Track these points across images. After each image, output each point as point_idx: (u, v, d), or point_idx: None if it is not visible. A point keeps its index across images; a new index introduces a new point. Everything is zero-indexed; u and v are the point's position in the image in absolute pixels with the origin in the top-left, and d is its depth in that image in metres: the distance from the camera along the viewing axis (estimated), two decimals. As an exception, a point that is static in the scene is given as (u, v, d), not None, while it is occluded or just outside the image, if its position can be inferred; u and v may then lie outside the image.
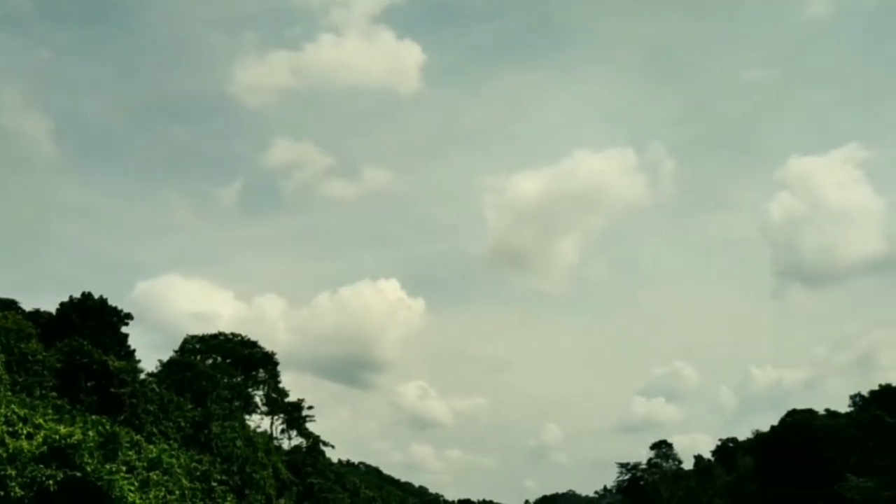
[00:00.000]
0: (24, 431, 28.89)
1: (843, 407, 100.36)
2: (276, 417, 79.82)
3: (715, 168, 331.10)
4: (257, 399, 77.73)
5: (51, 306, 53.15)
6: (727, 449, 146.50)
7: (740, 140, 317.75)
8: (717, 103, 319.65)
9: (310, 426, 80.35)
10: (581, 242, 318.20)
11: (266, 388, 78.43)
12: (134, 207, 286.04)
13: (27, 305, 53.04)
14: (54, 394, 36.24)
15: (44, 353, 37.48)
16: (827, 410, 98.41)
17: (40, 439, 28.42)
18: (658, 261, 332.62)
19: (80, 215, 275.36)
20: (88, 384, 39.63)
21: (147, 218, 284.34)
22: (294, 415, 79.70)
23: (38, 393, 34.85)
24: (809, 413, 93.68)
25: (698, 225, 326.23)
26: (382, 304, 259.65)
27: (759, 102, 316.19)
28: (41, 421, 30.24)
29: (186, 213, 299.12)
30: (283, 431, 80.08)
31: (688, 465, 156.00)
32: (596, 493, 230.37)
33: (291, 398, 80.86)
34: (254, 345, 77.11)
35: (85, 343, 41.46)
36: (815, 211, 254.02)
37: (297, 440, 79.04)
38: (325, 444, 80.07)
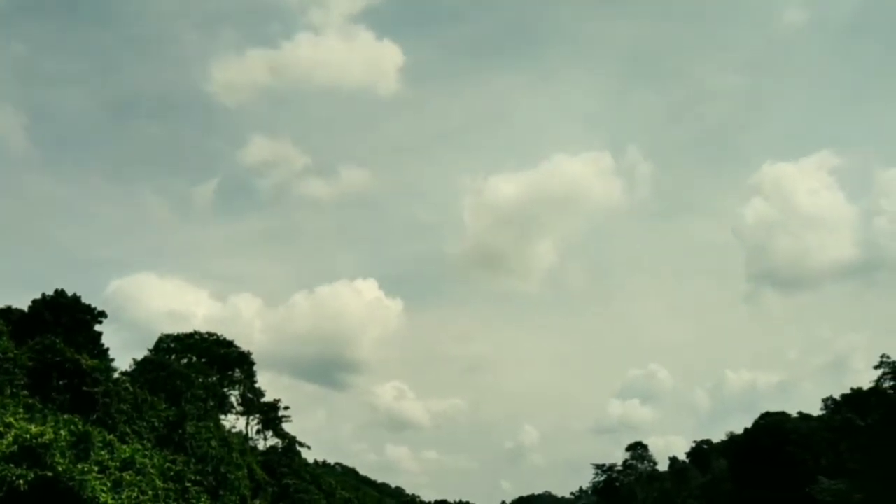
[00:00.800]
0: (-6, 430, 28.35)
1: (816, 410, 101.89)
2: (251, 418, 79.24)
3: (690, 173, 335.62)
4: (233, 399, 77.15)
5: (22, 303, 52.26)
6: (701, 451, 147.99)
7: (716, 145, 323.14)
8: (693, 108, 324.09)
9: (286, 427, 79.96)
10: (558, 245, 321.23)
11: (242, 388, 77.80)
12: (108, 204, 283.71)
13: (-2, 302, 52.02)
14: (25, 392, 35.61)
15: (15, 352, 36.82)
16: (800, 413, 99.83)
17: (11, 438, 27.91)
18: (634, 264, 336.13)
19: (53, 211, 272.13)
20: (60, 383, 39.01)
21: (121, 215, 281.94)
22: (270, 415, 79.15)
23: (8, 391, 34.23)
24: (782, 416, 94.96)
25: (674, 229, 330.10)
26: (360, 304, 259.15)
27: (735, 108, 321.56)
28: (12, 420, 29.70)
29: (161, 210, 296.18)
30: (258, 432, 79.59)
31: (662, 466, 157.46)
32: (572, 494, 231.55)
33: (267, 398, 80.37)
34: (230, 344, 76.45)
35: (57, 341, 40.80)
36: (788, 216, 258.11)
37: (272, 441, 78.63)
38: (301, 444, 79.77)
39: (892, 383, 75.44)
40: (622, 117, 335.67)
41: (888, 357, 77.14)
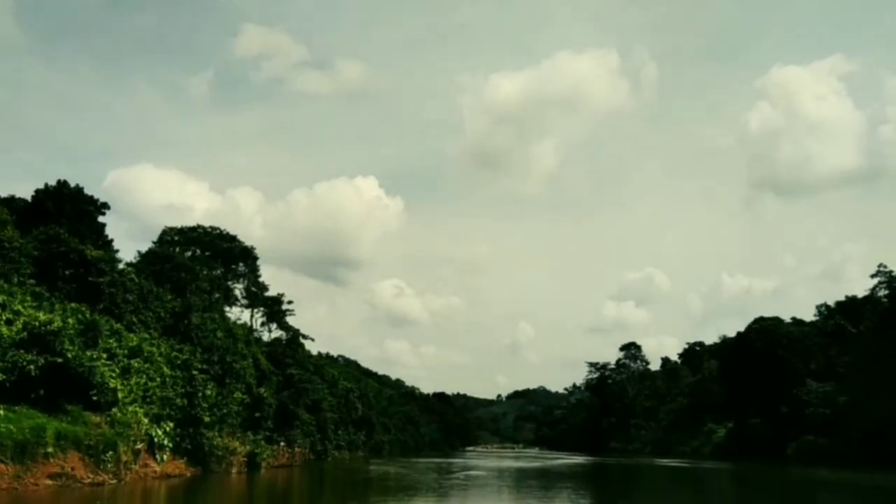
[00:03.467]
0: (4, 318, 28.85)
1: (809, 316, 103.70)
2: (255, 311, 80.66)
3: (698, 75, 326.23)
4: (237, 292, 78.29)
5: (23, 193, 51.97)
6: (693, 352, 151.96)
7: (726, 46, 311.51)
8: (702, 8, 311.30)
9: (289, 320, 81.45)
10: (559, 146, 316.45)
11: (246, 281, 78.79)
12: (101, 94, 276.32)
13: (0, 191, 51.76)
14: (32, 281, 36.01)
15: (20, 241, 36.95)
16: (793, 319, 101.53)
17: (20, 325, 28.45)
18: (636, 167, 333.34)
19: (46, 100, 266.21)
20: (66, 273, 39.40)
21: (116, 105, 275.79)
22: (274, 308, 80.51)
23: (15, 280, 34.59)
24: (776, 320, 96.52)
25: (677, 133, 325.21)
26: (360, 201, 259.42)
27: (747, 8, 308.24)
28: (20, 307, 30.17)
29: (156, 101, 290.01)
30: (263, 324, 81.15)
31: (655, 366, 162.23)
32: (565, 389, 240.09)
33: (270, 293, 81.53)
34: (233, 239, 76.85)
35: (62, 231, 40.91)
36: (793, 122, 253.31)
37: (276, 333, 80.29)
38: (305, 337, 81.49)
39: (887, 292, 76.30)
40: (629, 15, 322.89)
41: (885, 266, 77.76)
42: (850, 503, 33.56)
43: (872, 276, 79.09)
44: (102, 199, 52.40)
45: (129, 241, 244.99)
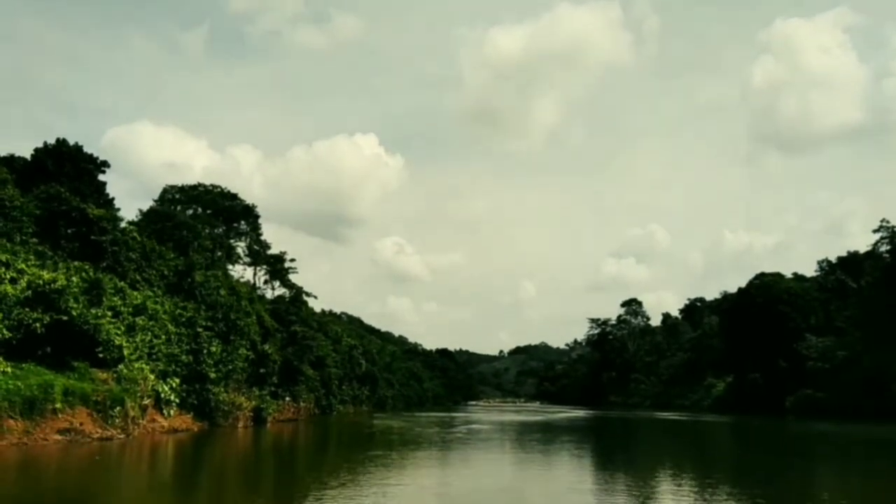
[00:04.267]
0: (8, 276, 29.02)
1: (811, 271, 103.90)
2: (258, 269, 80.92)
3: (700, 27, 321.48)
4: (239, 250, 78.40)
5: (23, 151, 51.73)
6: (694, 307, 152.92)
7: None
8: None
9: (292, 278, 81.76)
10: (560, 102, 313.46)
11: (248, 239, 78.85)
12: (97, 50, 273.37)
13: (-1, 150, 51.38)
14: (35, 240, 36.10)
15: (21, 200, 36.91)
16: (794, 274, 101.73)
17: (24, 284, 28.63)
18: (637, 123, 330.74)
19: (42, 56, 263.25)
20: (68, 231, 39.44)
21: (112, 61, 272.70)
22: (276, 266, 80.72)
23: (18, 239, 34.66)
24: (777, 276, 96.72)
25: (680, 88, 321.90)
26: (359, 159, 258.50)
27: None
28: (24, 266, 30.31)
29: (152, 57, 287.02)
30: (266, 282, 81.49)
31: (656, 322, 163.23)
32: (567, 345, 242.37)
33: (272, 251, 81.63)
34: (234, 197, 76.61)
35: (63, 190, 40.82)
36: (796, 76, 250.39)
37: (280, 291, 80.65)
38: (308, 294, 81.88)
39: (889, 247, 76.21)
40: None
41: (887, 221, 77.45)
42: (846, 454, 34.12)
43: (875, 231, 78.91)
44: (102, 158, 52.16)
45: (129, 199, 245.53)
